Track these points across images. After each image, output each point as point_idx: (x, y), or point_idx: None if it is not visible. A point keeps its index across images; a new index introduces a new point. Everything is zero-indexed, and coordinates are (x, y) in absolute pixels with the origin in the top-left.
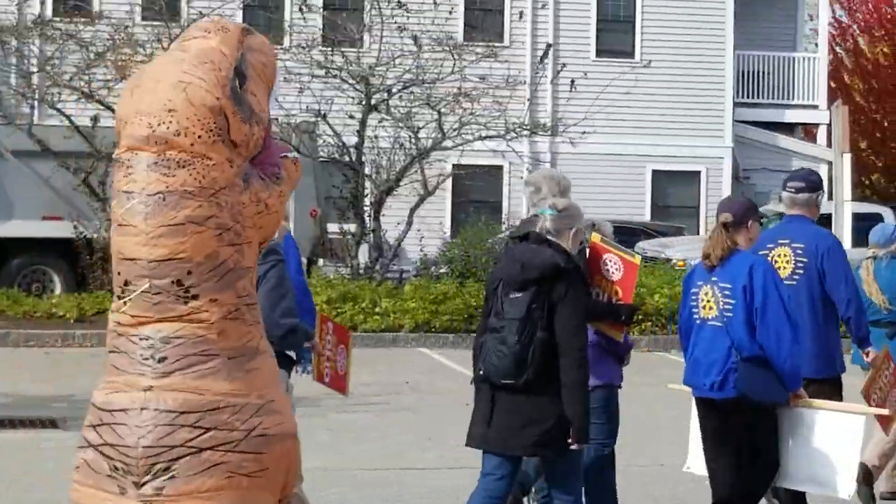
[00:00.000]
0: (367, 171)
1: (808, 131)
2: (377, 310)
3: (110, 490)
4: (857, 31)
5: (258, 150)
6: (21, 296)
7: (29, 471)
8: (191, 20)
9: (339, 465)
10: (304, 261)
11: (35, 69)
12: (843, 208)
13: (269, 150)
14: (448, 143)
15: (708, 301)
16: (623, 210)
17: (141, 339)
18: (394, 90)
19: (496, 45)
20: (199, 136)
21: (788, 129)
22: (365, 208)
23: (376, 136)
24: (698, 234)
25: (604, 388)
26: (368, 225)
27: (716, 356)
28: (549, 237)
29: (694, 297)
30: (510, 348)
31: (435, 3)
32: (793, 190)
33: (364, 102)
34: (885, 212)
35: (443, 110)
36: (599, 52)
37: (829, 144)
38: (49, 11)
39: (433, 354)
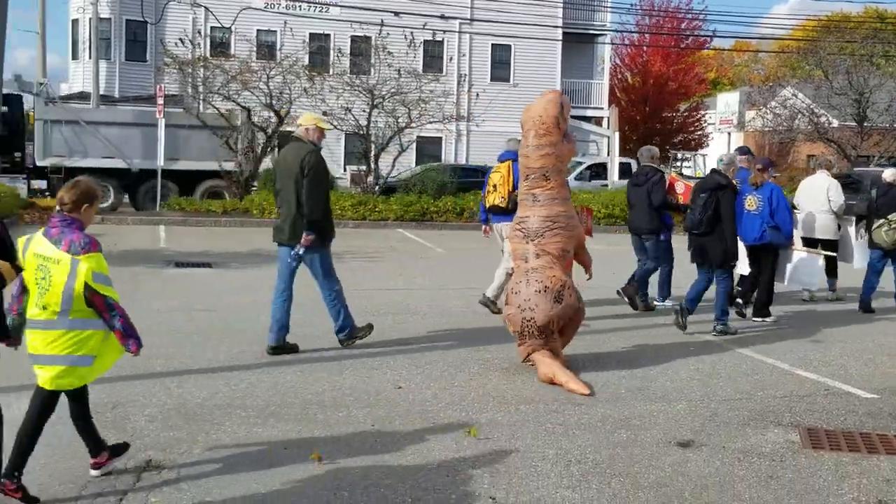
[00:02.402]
0: (371, 138)
1: (598, 121)
2: (376, 209)
3: (521, 241)
4: (625, 69)
5: (569, 134)
6: (193, 200)
7: (194, 288)
8: (283, 59)
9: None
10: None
11: (200, 83)
12: (615, 161)
13: (568, 134)
14: (414, 124)
15: (751, 203)
16: None
17: (534, 194)
18: (385, 97)
19: (439, 74)
20: (551, 123)
21: (587, 119)
22: (371, 157)
23: (376, 121)
24: None
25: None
26: (372, 166)
27: (755, 226)
28: (721, 170)
29: (742, 201)
30: (696, 217)
31: (407, 52)
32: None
33: (370, 103)
34: (632, 161)
35: (411, 107)
36: (492, 78)
37: (608, 127)
38: (207, 52)
39: (406, 232)
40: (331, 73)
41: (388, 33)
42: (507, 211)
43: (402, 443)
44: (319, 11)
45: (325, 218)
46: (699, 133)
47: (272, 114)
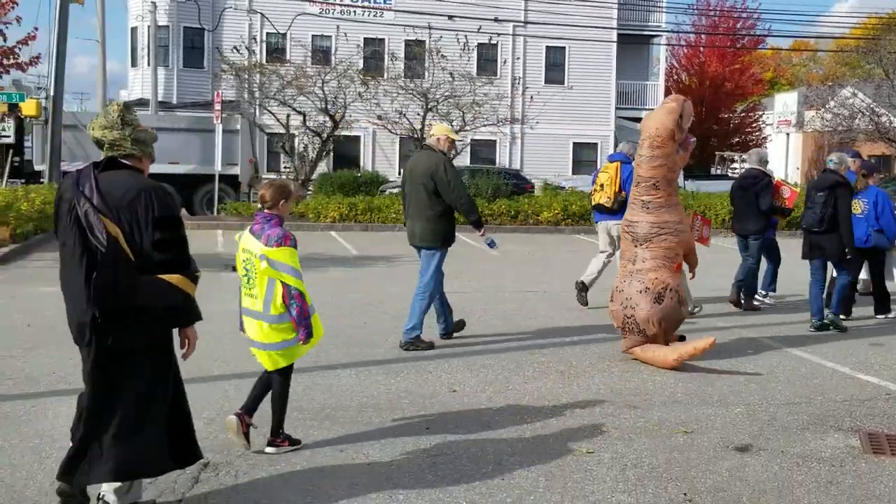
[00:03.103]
0: (425, 141)
1: None
2: None
3: (631, 244)
4: (681, 70)
5: (683, 139)
6: (249, 205)
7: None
8: (337, 64)
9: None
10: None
11: (256, 89)
12: None
13: (687, 140)
14: (467, 128)
15: (856, 207)
16: (557, 165)
17: (643, 201)
18: (439, 100)
19: (493, 77)
20: (666, 136)
21: None
22: None
23: (430, 124)
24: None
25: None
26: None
27: (861, 230)
28: (834, 169)
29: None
30: (816, 216)
31: (461, 55)
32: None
33: (424, 106)
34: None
35: (465, 110)
36: (546, 81)
37: None
38: (263, 58)
39: (460, 235)
40: (385, 77)
41: (441, 37)
42: (612, 210)
43: (457, 446)
44: (373, 16)
45: (452, 222)
46: (756, 134)
47: (327, 118)
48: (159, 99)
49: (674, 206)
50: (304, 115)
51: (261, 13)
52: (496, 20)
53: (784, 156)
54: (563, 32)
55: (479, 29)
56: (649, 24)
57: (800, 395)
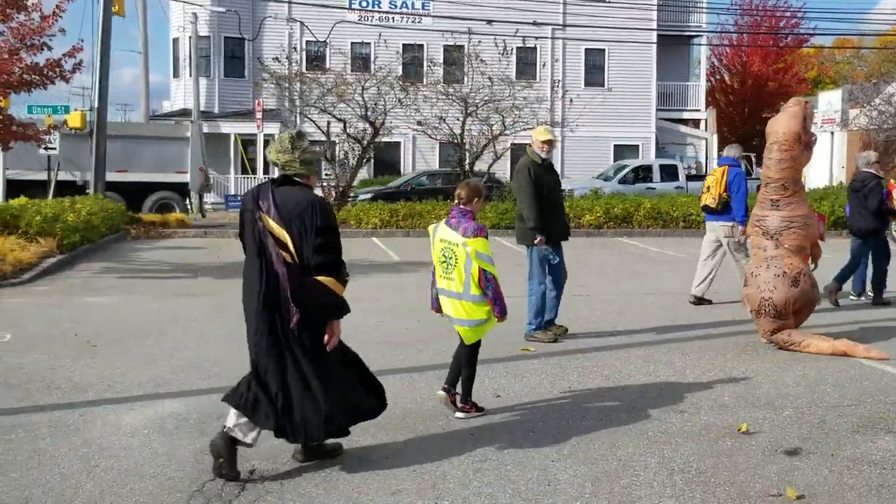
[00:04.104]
0: (465, 147)
1: (695, 123)
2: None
3: (761, 237)
4: (723, 70)
5: (809, 141)
6: None
7: None
8: (377, 71)
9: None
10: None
11: (297, 97)
12: (715, 161)
13: (810, 139)
14: (507, 132)
15: None
16: (598, 167)
17: (772, 200)
18: (479, 105)
19: (532, 81)
20: (793, 139)
21: (685, 122)
22: (465, 166)
23: (470, 129)
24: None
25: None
26: (468, 173)
27: None
28: None
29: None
30: None
31: (500, 59)
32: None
33: (464, 111)
34: (678, 164)
35: (504, 115)
36: (586, 83)
37: (706, 129)
38: (303, 66)
39: (501, 240)
40: (424, 82)
41: (479, 41)
42: (717, 211)
43: (502, 452)
44: (412, 22)
45: (538, 222)
46: None
47: (367, 125)
48: (201, 109)
49: (802, 201)
50: (345, 123)
51: (300, 22)
52: (535, 23)
53: (829, 155)
54: (602, 34)
55: (516, 32)
56: (689, 24)
57: (849, 397)
